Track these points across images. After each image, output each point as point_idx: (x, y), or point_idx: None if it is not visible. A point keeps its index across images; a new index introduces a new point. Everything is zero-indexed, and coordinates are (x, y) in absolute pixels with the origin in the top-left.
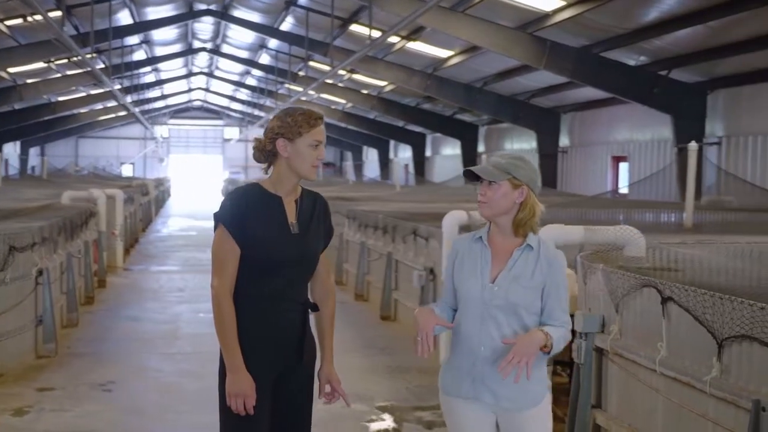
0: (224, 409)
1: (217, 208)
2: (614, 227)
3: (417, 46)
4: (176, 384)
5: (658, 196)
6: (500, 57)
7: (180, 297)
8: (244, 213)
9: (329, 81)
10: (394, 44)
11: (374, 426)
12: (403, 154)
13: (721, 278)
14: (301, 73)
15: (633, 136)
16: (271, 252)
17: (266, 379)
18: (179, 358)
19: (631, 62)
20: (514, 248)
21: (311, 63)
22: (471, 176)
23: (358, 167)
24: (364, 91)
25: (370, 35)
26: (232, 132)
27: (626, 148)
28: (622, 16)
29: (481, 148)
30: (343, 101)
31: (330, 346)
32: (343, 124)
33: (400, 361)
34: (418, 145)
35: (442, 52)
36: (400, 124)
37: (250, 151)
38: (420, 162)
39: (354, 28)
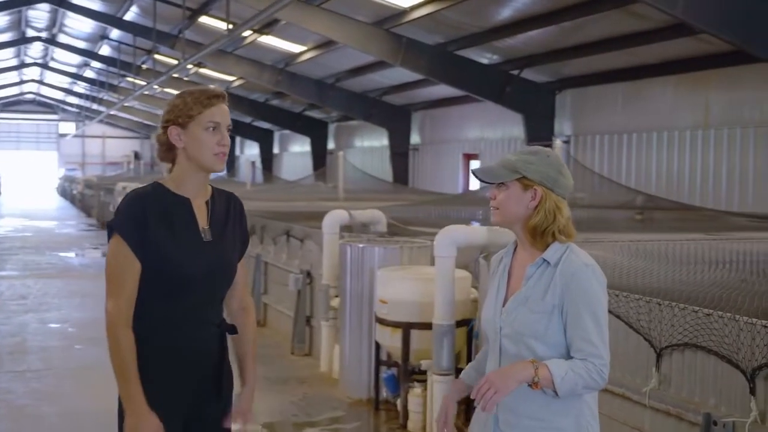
0: None
1: (111, 215)
2: None
3: (269, 40)
4: (30, 407)
5: None
6: (353, 53)
7: (24, 305)
8: (146, 219)
9: (175, 75)
10: (245, 38)
11: None
12: (250, 150)
13: (631, 280)
14: (144, 66)
15: (484, 134)
16: (181, 265)
17: (176, 421)
18: (30, 376)
19: (484, 61)
20: (529, 264)
21: (156, 56)
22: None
23: None
24: (212, 86)
25: (228, 27)
26: (68, 127)
27: (477, 146)
28: (477, 14)
29: (331, 145)
30: None
31: (252, 372)
32: None
33: (277, 371)
34: (265, 141)
35: (295, 47)
36: (248, 120)
37: (88, 147)
38: (267, 159)
39: (203, 20)
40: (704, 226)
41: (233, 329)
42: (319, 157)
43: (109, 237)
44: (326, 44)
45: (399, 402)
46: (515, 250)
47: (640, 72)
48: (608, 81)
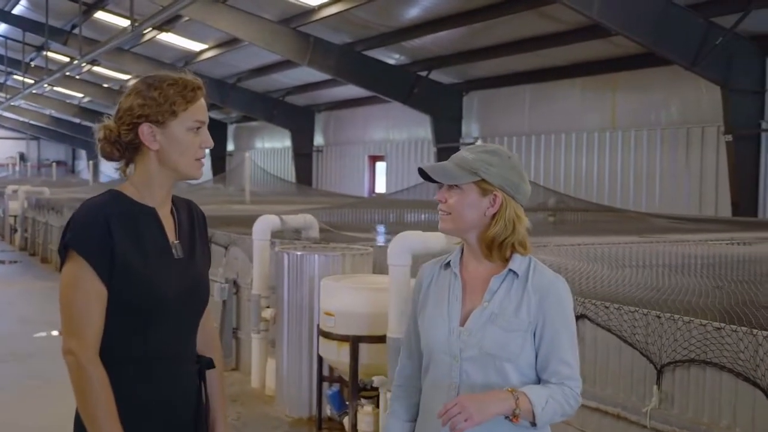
0: None
1: (65, 232)
2: None
3: (169, 37)
4: None
5: (413, 195)
6: (256, 52)
7: None
8: (110, 233)
9: (67, 73)
10: (143, 35)
11: None
12: None
13: (598, 288)
14: (33, 64)
15: (390, 135)
16: (155, 289)
17: None
18: None
19: (392, 61)
20: (493, 276)
21: (48, 53)
22: (427, 176)
23: (95, 166)
24: (106, 85)
25: (132, 23)
26: None
27: (383, 148)
28: (386, 14)
29: (230, 147)
30: (79, 95)
31: (224, 410)
32: (77, 120)
33: None
34: None
35: (196, 45)
36: None
37: None
38: None
39: (100, 15)
40: (628, 228)
41: (211, 363)
42: (218, 158)
43: (65, 260)
44: (228, 43)
45: (346, 420)
46: (460, 261)
47: (547, 74)
48: (516, 83)
